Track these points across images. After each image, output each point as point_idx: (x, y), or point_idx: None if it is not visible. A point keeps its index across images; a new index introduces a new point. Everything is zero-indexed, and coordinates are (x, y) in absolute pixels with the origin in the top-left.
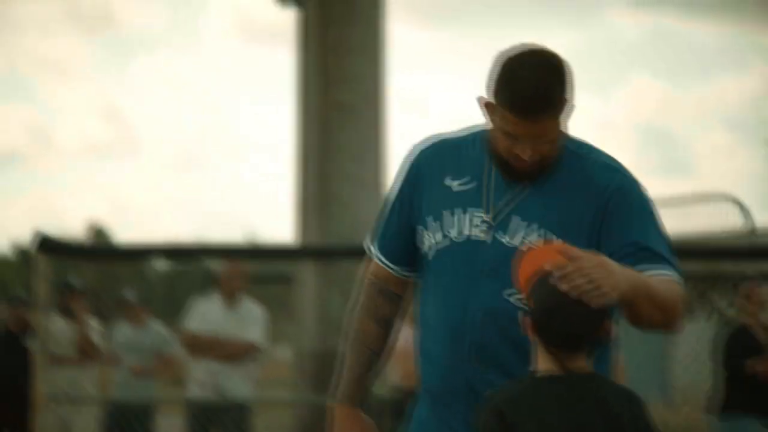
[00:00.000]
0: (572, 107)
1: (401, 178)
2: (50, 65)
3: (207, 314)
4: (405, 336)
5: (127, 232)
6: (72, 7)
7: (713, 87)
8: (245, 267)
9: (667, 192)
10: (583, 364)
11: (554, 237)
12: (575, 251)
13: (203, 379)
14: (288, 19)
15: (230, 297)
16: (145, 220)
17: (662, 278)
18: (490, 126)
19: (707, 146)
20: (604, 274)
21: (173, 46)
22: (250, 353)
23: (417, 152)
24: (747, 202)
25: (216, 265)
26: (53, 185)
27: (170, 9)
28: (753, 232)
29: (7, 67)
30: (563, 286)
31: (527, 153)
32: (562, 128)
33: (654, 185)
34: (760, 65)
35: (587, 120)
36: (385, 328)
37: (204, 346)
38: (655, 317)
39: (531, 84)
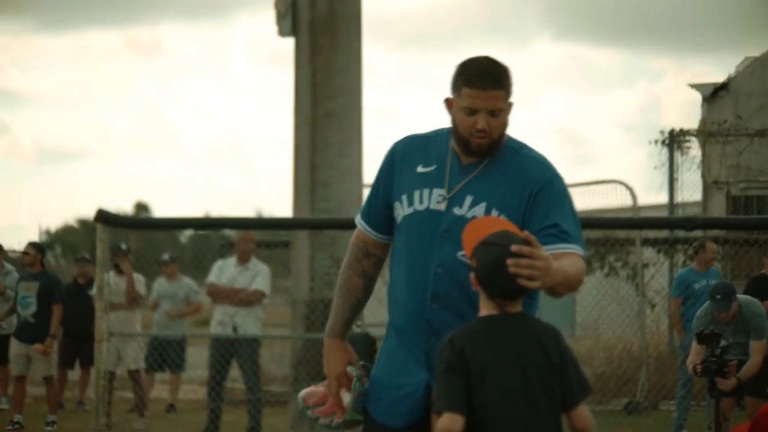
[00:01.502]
0: (512, 104)
1: (381, 167)
2: (111, 80)
3: (224, 271)
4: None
5: (164, 208)
6: (130, 35)
7: (612, 98)
8: (254, 235)
9: (578, 178)
10: (518, 308)
11: (496, 211)
12: (537, 247)
13: (223, 319)
14: (288, 46)
15: (243, 258)
16: (178, 198)
17: (572, 256)
18: (451, 121)
19: (608, 144)
20: (544, 271)
21: (207, 65)
22: (258, 299)
23: (393, 146)
24: (634, 186)
25: (231, 234)
26: (111, 173)
27: (206, 38)
28: (637, 208)
29: (80, 81)
30: (512, 270)
31: (484, 124)
32: (507, 113)
33: (568, 174)
34: (646, 83)
35: (520, 125)
36: (367, 280)
37: (223, 294)
38: (565, 292)
39: (484, 64)
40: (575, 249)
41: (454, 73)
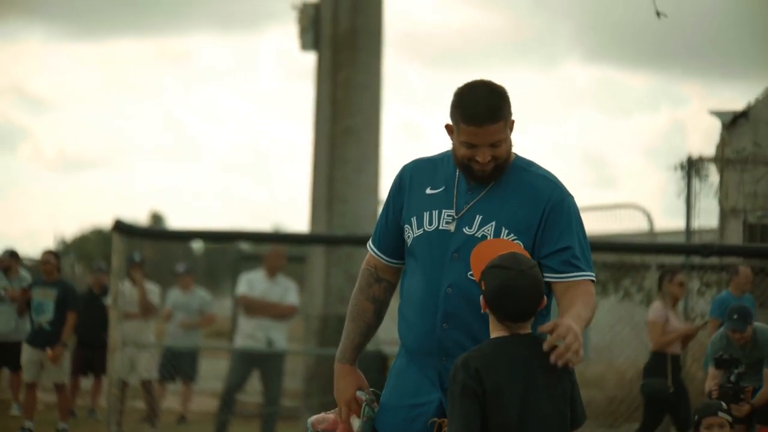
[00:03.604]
0: (513, 122)
1: (391, 191)
2: (138, 88)
3: (255, 284)
4: (655, 309)
5: (180, 218)
6: (161, 45)
7: (636, 122)
8: (284, 250)
9: (598, 201)
10: (527, 329)
11: (505, 230)
12: (558, 327)
13: (255, 332)
14: (312, 61)
15: (272, 272)
16: (195, 209)
17: (584, 287)
18: (452, 147)
19: (629, 168)
20: (578, 342)
21: (232, 77)
22: (291, 314)
23: (402, 170)
24: (652, 211)
25: (246, 247)
26: (129, 182)
27: (235, 49)
28: (654, 233)
29: (106, 89)
30: (557, 362)
31: (485, 157)
32: (509, 138)
33: (588, 196)
34: (669, 107)
35: (544, 144)
36: (378, 305)
37: (257, 307)
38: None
39: (478, 101)
40: (586, 276)
41: (452, 102)
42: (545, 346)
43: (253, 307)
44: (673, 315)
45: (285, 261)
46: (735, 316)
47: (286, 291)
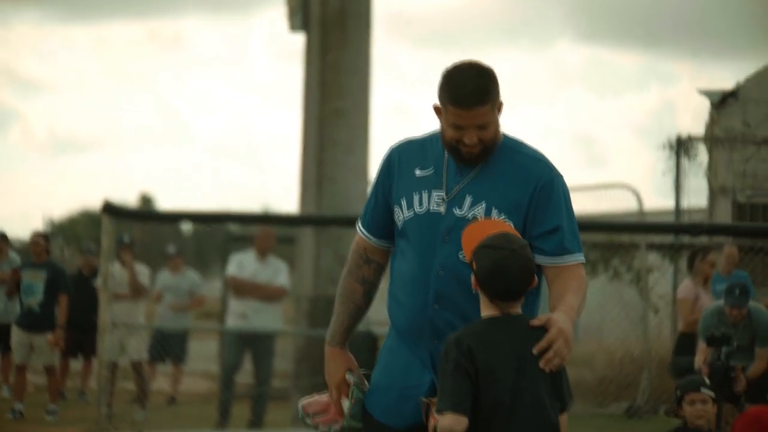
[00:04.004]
0: (501, 104)
1: (379, 172)
2: (129, 72)
3: (245, 265)
4: (685, 287)
5: (171, 201)
6: (152, 28)
7: (626, 102)
8: (275, 231)
9: (588, 180)
10: (517, 309)
11: (496, 211)
12: (551, 327)
13: (245, 313)
14: (300, 42)
15: (263, 253)
16: (185, 192)
17: (574, 272)
18: (440, 128)
19: (619, 147)
20: (567, 343)
21: (223, 60)
22: (281, 295)
23: (390, 151)
24: (642, 190)
25: (235, 228)
26: (119, 164)
27: (225, 32)
28: (643, 213)
29: (98, 72)
30: (548, 367)
31: (472, 139)
32: (496, 120)
33: (578, 175)
34: (659, 87)
35: (534, 125)
36: (367, 287)
37: (246, 288)
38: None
39: (466, 82)
40: (576, 258)
41: (440, 83)
42: (535, 351)
43: (242, 288)
44: (703, 293)
45: (275, 242)
46: (737, 292)
47: (276, 272)
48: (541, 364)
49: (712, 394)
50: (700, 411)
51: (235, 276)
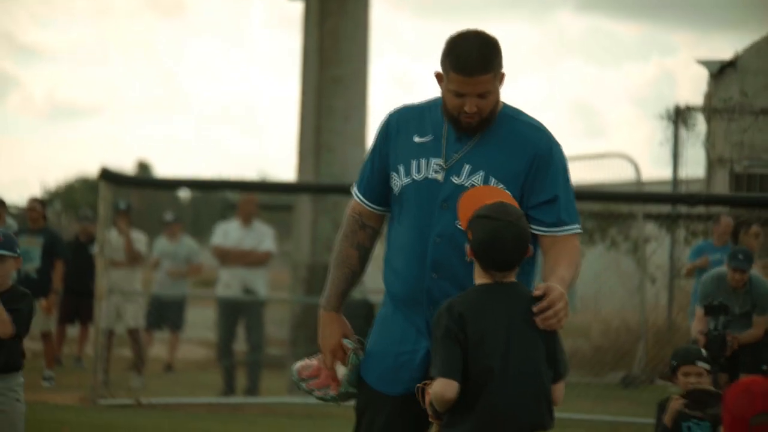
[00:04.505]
0: (503, 75)
1: (377, 138)
2: (130, 39)
3: (229, 233)
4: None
5: (169, 168)
6: None
7: (625, 72)
8: (257, 197)
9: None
10: (512, 278)
11: (494, 180)
12: (550, 293)
13: (233, 281)
14: (299, 10)
15: (246, 220)
16: (184, 159)
17: (568, 242)
18: (441, 95)
19: (619, 117)
20: (565, 307)
21: (224, 27)
22: (266, 259)
23: (389, 116)
24: (640, 160)
25: (233, 196)
26: (118, 131)
27: (223, 1)
28: (641, 183)
29: (98, 39)
30: (543, 326)
31: (472, 107)
32: (497, 90)
33: (579, 145)
34: (659, 56)
35: (534, 94)
36: (362, 252)
37: (232, 256)
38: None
39: (470, 50)
40: (571, 229)
41: (444, 49)
42: (535, 309)
43: (227, 256)
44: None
45: (257, 208)
46: (740, 256)
47: (261, 237)
48: (538, 321)
49: (707, 366)
50: (695, 384)
51: (220, 245)
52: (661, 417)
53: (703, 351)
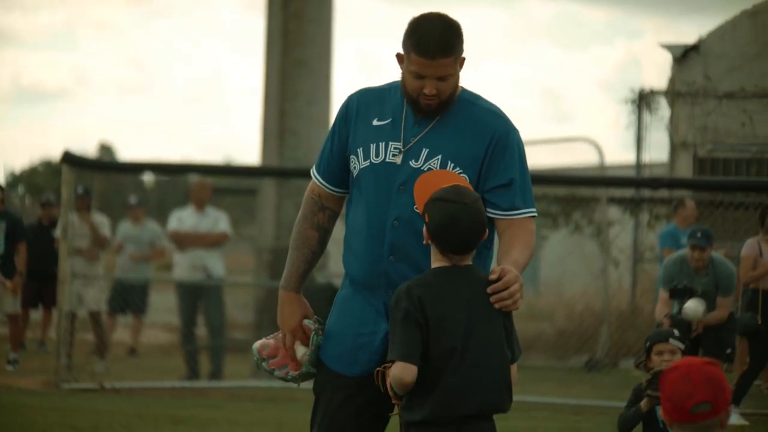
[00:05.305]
0: (464, 59)
1: (336, 120)
2: (97, 24)
3: (184, 220)
4: (749, 244)
5: (134, 151)
6: None
7: (591, 56)
8: (220, 181)
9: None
10: (468, 261)
11: (451, 164)
12: (505, 274)
13: (192, 263)
14: None
15: (200, 205)
16: (149, 143)
17: (523, 226)
18: (401, 77)
19: (585, 101)
20: (521, 288)
21: (190, 12)
22: (223, 240)
23: (349, 99)
24: (605, 144)
25: (197, 180)
26: (83, 115)
27: None
28: (604, 167)
29: (64, 23)
30: (498, 305)
31: (432, 90)
32: (457, 74)
33: (545, 129)
34: (625, 41)
35: (502, 78)
36: (322, 233)
37: (189, 240)
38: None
39: (432, 32)
40: (527, 212)
41: (406, 30)
42: (489, 290)
43: (184, 241)
44: (767, 250)
45: (210, 192)
46: (699, 234)
47: (216, 221)
48: (493, 300)
49: (681, 345)
50: (668, 362)
51: (176, 230)
52: (634, 401)
53: (676, 331)
